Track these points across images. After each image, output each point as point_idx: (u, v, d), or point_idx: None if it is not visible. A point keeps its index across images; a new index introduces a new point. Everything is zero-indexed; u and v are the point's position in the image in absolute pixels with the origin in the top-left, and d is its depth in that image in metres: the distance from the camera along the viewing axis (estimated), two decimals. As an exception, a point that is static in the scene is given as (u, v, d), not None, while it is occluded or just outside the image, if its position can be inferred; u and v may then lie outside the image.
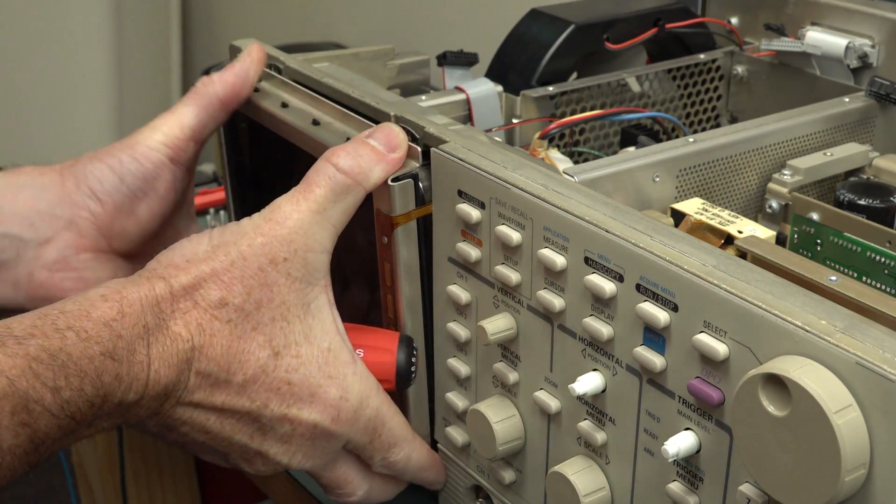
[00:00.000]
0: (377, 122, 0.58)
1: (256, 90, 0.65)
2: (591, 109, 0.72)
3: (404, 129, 0.57)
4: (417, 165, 0.55)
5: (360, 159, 0.53)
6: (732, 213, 0.56)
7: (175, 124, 0.63)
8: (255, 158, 0.70)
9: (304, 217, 0.52)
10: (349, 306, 0.63)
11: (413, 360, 0.57)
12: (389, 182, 0.54)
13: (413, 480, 0.60)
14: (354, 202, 0.54)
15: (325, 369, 0.53)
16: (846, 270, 0.54)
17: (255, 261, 0.51)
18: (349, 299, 0.63)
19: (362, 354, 0.56)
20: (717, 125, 0.79)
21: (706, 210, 0.56)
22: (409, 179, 0.55)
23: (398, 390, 0.57)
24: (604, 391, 0.48)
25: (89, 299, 0.48)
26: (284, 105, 0.62)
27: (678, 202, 0.58)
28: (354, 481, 0.57)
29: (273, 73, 0.66)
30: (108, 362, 0.46)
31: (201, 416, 0.51)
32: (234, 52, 0.69)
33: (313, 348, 0.53)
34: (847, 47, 0.71)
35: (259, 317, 0.51)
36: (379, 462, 0.57)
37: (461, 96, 0.71)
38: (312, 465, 0.55)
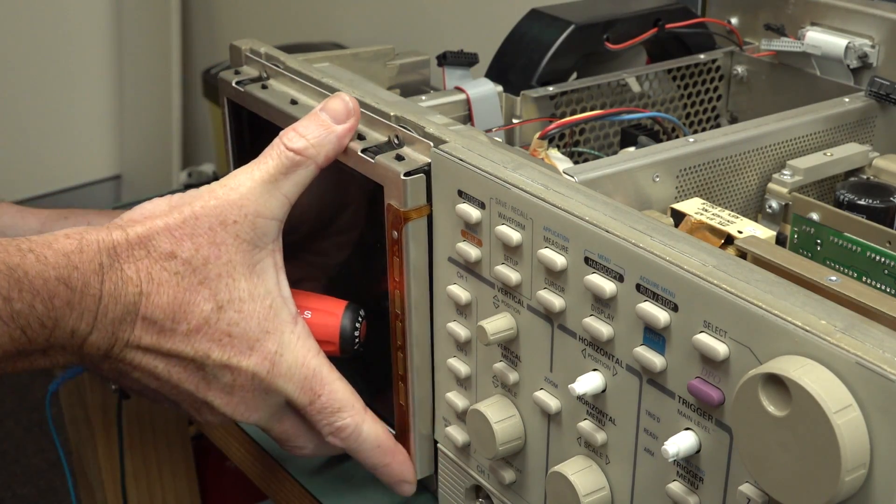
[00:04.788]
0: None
1: (264, 87, 0.66)
2: (591, 109, 0.72)
3: (402, 127, 0.57)
4: (429, 160, 0.55)
5: (309, 136, 0.57)
6: (732, 213, 0.56)
7: None
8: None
9: (255, 185, 0.56)
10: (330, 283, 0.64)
11: (357, 325, 0.60)
12: (402, 176, 0.54)
13: (370, 462, 0.60)
14: (307, 175, 0.57)
15: (264, 324, 0.56)
16: (846, 270, 0.54)
17: (206, 221, 0.55)
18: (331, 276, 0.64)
19: (310, 316, 0.59)
20: (717, 125, 0.79)
21: (706, 210, 0.56)
22: (422, 174, 0.55)
23: (342, 355, 0.60)
24: (604, 391, 0.48)
25: (54, 235, 0.53)
26: (294, 102, 0.63)
27: (678, 202, 0.58)
28: (303, 436, 0.61)
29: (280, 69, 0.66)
30: (62, 287, 0.50)
31: (150, 361, 0.55)
32: (234, 52, 0.69)
33: (255, 305, 0.56)
34: (847, 47, 0.71)
35: (206, 272, 0.55)
36: (326, 428, 0.59)
37: (461, 96, 0.71)
38: (258, 419, 0.59)
